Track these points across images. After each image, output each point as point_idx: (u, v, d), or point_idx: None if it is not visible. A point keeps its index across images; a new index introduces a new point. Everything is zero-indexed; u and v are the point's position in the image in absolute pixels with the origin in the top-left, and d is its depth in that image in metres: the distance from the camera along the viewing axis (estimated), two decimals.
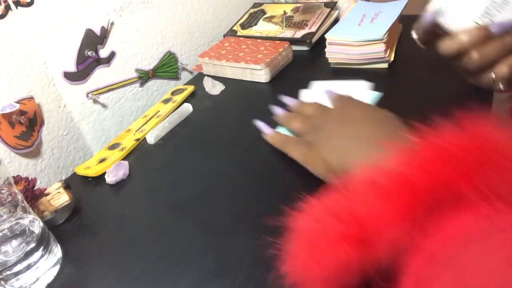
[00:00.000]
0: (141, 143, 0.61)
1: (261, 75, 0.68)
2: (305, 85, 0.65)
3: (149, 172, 0.55)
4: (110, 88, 0.69)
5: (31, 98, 0.57)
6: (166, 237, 0.42)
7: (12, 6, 0.55)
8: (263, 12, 0.87)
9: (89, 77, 0.66)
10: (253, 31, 0.81)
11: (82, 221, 0.49)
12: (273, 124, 0.53)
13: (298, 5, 0.85)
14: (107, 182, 0.53)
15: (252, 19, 0.85)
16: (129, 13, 0.69)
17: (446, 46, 0.45)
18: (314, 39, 0.74)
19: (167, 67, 0.79)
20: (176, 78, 0.81)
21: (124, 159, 0.58)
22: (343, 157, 0.37)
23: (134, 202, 0.50)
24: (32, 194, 0.48)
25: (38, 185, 0.56)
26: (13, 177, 0.48)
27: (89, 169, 0.56)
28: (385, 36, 0.59)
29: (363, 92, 0.55)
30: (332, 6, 0.80)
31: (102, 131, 0.70)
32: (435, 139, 0.27)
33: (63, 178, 0.62)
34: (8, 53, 0.54)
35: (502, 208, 0.23)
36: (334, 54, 0.64)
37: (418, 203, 0.25)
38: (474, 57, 0.43)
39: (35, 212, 0.44)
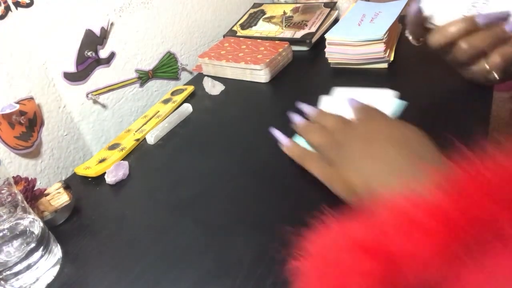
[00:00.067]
0: (141, 143, 0.61)
1: (261, 75, 0.68)
2: (305, 85, 0.65)
3: (149, 172, 0.55)
4: (110, 89, 0.69)
5: (31, 98, 0.57)
6: (166, 237, 0.42)
7: (12, 6, 0.55)
8: (263, 12, 0.87)
9: (89, 78, 0.66)
10: (253, 31, 0.81)
11: (82, 221, 0.49)
12: (278, 128, 0.52)
13: (298, 5, 0.85)
14: (107, 182, 0.53)
15: (252, 19, 0.85)
16: (129, 13, 0.69)
17: (435, 39, 0.46)
18: (314, 39, 0.74)
19: (167, 67, 0.79)
20: (176, 78, 0.81)
21: (124, 159, 0.58)
22: (369, 181, 0.34)
23: (134, 202, 0.50)
24: (32, 194, 0.48)
25: (38, 185, 0.56)
26: (13, 177, 0.48)
27: (89, 169, 0.56)
28: (385, 36, 0.59)
29: (387, 100, 0.51)
30: (332, 6, 0.80)
31: (102, 131, 0.70)
32: (472, 166, 0.24)
33: (63, 178, 0.62)
34: (8, 54, 0.54)
35: None
36: (333, 54, 0.64)
37: (457, 240, 0.22)
38: (462, 47, 0.44)
39: (35, 212, 0.44)
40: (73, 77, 0.63)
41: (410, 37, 0.53)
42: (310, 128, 0.45)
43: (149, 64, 0.75)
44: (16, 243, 0.40)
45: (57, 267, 0.42)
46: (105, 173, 0.54)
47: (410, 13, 0.49)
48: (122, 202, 0.51)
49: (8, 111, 0.53)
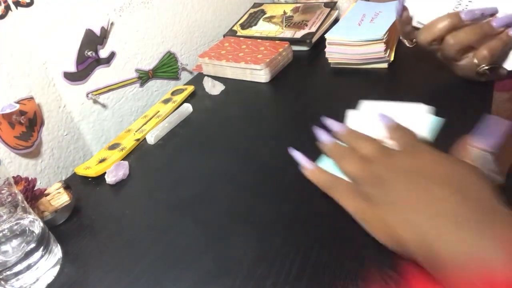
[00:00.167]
0: (141, 143, 0.61)
1: (261, 75, 0.68)
2: (305, 85, 0.65)
3: (149, 172, 0.55)
4: (110, 88, 0.69)
5: (31, 98, 0.57)
6: (166, 237, 0.42)
7: (12, 6, 0.55)
8: (263, 12, 0.87)
9: (89, 77, 0.66)
10: (253, 31, 0.81)
11: (82, 221, 0.49)
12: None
13: (298, 5, 0.85)
14: (107, 182, 0.53)
15: (252, 19, 0.85)
16: (129, 13, 0.69)
17: (423, 36, 0.47)
18: (314, 39, 0.74)
19: (167, 67, 0.79)
20: (176, 78, 0.81)
21: (124, 159, 0.58)
22: (424, 239, 0.28)
23: (134, 202, 0.50)
24: (32, 194, 0.48)
25: (38, 185, 0.56)
26: (13, 177, 0.48)
27: (89, 169, 0.56)
28: (385, 36, 0.59)
29: (421, 117, 0.46)
30: (332, 6, 0.80)
31: (102, 131, 0.70)
32: None
33: (63, 178, 0.62)
34: (8, 53, 0.54)
35: None
36: (334, 54, 0.64)
37: None
38: (449, 42, 0.45)
39: (35, 212, 0.44)
40: (73, 77, 0.63)
41: (404, 39, 0.54)
42: (343, 153, 0.39)
43: (149, 64, 0.75)
44: (16, 243, 0.40)
45: (57, 267, 0.42)
46: (105, 173, 0.54)
47: (397, 14, 0.50)
48: (122, 202, 0.51)
49: (8, 111, 0.53)
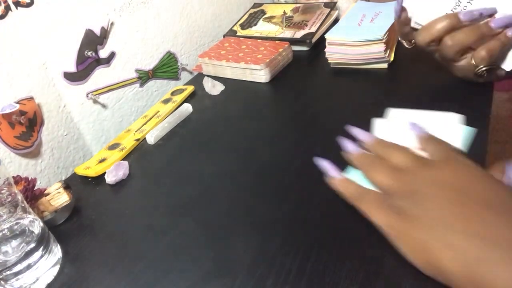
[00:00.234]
0: (141, 143, 0.61)
1: (261, 75, 0.68)
2: (305, 85, 0.65)
3: (149, 172, 0.55)
4: (110, 88, 0.69)
5: (31, 98, 0.57)
6: (166, 237, 0.42)
7: (12, 6, 0.55)
8: (263, 12, 0.87)
9: (89, 77, 0.66)
10: (253, 31, 0.81)
11: (82, 221, 0.49)
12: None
13: (298, 5, 0.85)
14: (107, 182, 0.53)
15: (252, 19, 0.85)
16: (129, 13, 0.69)
17: (421, 37, 0.47)
18: (314, 39, 0.74)
19: (167, 67, 0.79)
20: (176, 78, 0.81)
21: (124, 159, 0.58)
22: (473, 271, 0.25)
23: (134, 202, 0.50)
24: (32, 194, 0.48)
25: (38, 185, 0.56)
26: (13, 177, 0.48)
27: (89, 169, 0.56)
28: (385, 36, 0.59)
29: (453, 126, 0.44)
30: (332, 6, 0.80)
31: (102, 131, 0.70)
32: None
33: (63, 178, 0.62)
34: (8, 53, 0.54)
35: None
36: (333, 54, 0.64)
37: None
38: (448, 43, 0.45)
39: (35, 212, 0.44)
40: (73, 77, 0.63)
41: (402, 40, 0.54)
42: (373, 163, 0.36)
43: (149, 64, 0.75)
44: (16, 243, 0.40)
45: (57, 267, 0.42)
46: (105, 173, 0.54)
47: (395, 14, 0.50)
48: (122, 202, 0.51)
49: (8, 111, 0.53)
